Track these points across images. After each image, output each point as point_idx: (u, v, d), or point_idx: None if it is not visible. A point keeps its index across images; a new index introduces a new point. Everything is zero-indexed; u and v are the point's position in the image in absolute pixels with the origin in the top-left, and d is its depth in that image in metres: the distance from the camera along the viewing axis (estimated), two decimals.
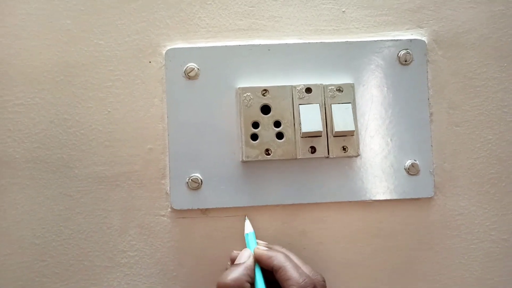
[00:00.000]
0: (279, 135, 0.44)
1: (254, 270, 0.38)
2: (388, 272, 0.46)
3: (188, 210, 0.45)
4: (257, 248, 0.39)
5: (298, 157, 0.44)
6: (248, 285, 0.37)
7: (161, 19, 0.46)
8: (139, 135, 0.45)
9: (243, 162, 0.45)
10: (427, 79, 0.47)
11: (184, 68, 0.45)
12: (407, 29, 0.47)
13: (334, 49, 0.46)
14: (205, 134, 0.45)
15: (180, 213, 0.45)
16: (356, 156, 0.45)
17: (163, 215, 0.45)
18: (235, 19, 0.47)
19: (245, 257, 0.39)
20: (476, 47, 0.48)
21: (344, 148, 0.44)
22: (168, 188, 0.45)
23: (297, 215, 0.46)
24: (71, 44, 0.45)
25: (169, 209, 0.45)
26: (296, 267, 0.37)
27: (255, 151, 0.44)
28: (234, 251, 0.40)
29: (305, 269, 0.38)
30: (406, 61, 0.46)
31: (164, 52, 0.45)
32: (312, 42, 0.46)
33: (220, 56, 0.45)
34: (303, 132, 0.43)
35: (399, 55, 0.46)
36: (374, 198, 0.46)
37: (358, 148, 0.44)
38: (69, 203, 0.45)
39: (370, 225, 0.46)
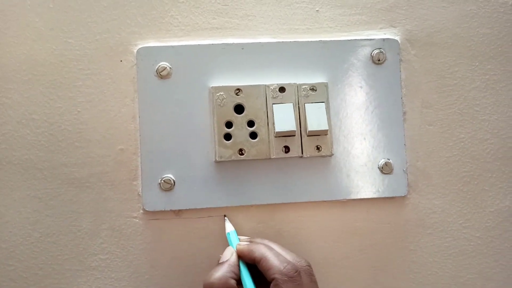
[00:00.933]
0: (253, 135, 0.44)
1: (238, 266, 0.38)
2: (363, 271, 0.46)
3: (161, 211, 0.44)
4: (239, 244, 0.40)
5: (272, 157, 0.43)
6: (233, 281, 0.37)
7: (133, 17, 0.45)
8: (110, 136, 0.44)
9: (217, 162, 0.44)
10: (400, 78, 0.47)
11: (156, 67, 0.44)
12: (381, 28, 0.47)
13: (307, 48, 0.46)
14: (177, 134, 0.44)
15: (152, 214, 0.44)
16: (330, 156, 0.45)
17: (135, 217, 0.44)
18: (208, 18, 0.46)
19: (228, 255, 0.39)
20: (449, 47, 0.48)
21: (318, 148, 0.44)
22: (140, 189, 0.44)
23: (272, 215, 0.46)
24: (40, 42, 0.44)
25: (141, 211, 0.44)
26: (277, 255, 0.37)
27: (228, 151, 0.43)
28: (220, 255, 0.40)
29: (289, 256, 0.37)
30: (379, 60, 0.46)
31: (135, 50, 0.45)
32: (286, 41, 0.46)
33: (192, 55, 0.45)
34: (276, 132, 0.43)
35: (372, 54, 0.46)
36: (348, 198, 0.46)
37: (332, 147, 0.44)
38: (37, 206, 0.44)
39: (345, 224, 0.46)
